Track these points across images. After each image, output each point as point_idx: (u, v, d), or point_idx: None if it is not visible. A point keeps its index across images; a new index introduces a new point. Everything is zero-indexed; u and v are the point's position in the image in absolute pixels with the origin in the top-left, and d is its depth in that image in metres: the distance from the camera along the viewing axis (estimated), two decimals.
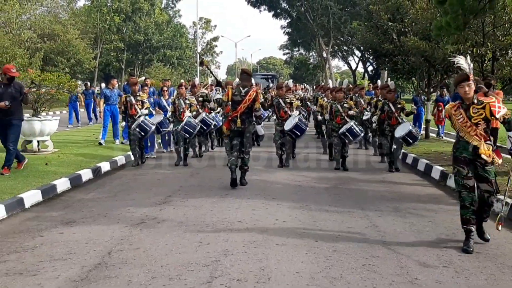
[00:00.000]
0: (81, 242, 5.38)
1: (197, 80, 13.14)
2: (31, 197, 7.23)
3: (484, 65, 11.01)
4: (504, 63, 10.89)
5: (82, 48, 38.56)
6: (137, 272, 4.50)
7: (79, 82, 36.51)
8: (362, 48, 30.41)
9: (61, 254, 5.00)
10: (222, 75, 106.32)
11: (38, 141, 11.62)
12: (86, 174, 9.27)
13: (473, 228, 5.30)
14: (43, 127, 11.51)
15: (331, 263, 4.80)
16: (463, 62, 5.32)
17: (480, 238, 5.46)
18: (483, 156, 5.15)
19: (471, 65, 5.40)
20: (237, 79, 10.88)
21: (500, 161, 5.46)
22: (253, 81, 9.20)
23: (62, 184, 8.26)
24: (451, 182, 8.99)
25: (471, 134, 5.24)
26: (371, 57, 24.45)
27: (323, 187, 8.80)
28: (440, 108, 14.79)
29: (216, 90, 10.79)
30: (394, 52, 15.01)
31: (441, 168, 9.82)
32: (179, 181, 9.08)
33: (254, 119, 8.80)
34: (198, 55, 56.06)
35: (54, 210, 6.93)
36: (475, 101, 5.27)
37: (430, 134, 15.67)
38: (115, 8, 48.23)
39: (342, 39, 48.37)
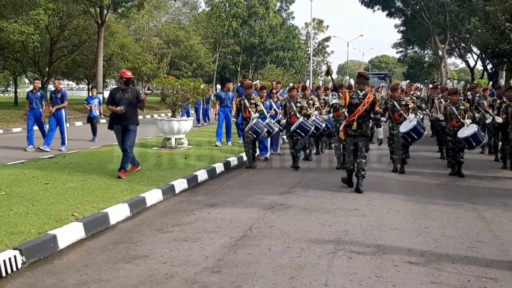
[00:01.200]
0: (226, 220, 6.60)
1: (308, 82, 13.28)
2: (180, 184, 8.67)
3: None
4: None
5: (203, 53, 41.19)
6: (274, 243, 5.59)
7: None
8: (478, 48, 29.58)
9: (213, 228, 6.24)
10: (333, 75, 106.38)
11: (175, 139, 13.30)
12: (219, 167, 10.62)
13: None
14: (180, 126, 13.19)
15: (439, 244, 5.57)
16: None
17: None
18: None
19: None
20: (347, 77, 11.54)
21: None
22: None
23: (201, 175, 9.65)
24: None
25: None
26: (486, 57, 23.83)
27: (434, 183, 9.39)
28: None
29: (332, 95, 11.33)
30: (511, 53, 14.91)
31: None
32: (298, 176, 10.10)
33: (371, 122, 8.82)
34: (311, 50, 57.06)
35: (199, 195, 8.29)
36: None
37: None
38: (233, 14, 50.71)
39: (459, 36, 46.84)
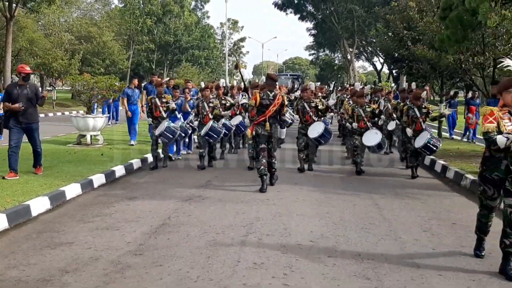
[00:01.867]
0: (145, 211, 6.99)
1: (222, 82, 12.95)
2: (98, 179, 8.91)
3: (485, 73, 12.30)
4: (505, 69, 12.16)
5: (117, 49, 40.59)
6: (192, 229, 6.08)
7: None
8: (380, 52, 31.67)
9: (132, 218, 6.62)
10: (248, 75, 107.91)
11: (91, 136, 13.35)
12: (136, 163, 10.91)
13: (485, 237, 5.30)
14: (95, 123, 13.27)
15: (337, 226, 6.33)
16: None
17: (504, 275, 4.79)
18: None
19: None
20: (263, 77, 11.86)
21: None
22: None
23: (119, 170, 9.91)
24: (450, 174, 10.41)
25: None
26: (388, 61, 25.69)
27: (338, 176, 10.28)
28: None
29: (242, 95, 11.32)
30: (409, 58, 16.36)
31: (442, 162, 11.18)
32: (214, 172, 10.57)
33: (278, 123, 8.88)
34: (227, 49, 57.70)
35: (117, 189, 8.58)
36: None
37: (443, 133, 16.91)
38: (147, 11, 50.32)
39: (366, 41, 49.50)
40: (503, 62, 5.26)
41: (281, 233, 5.97)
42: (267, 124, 8.43)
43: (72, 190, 7.95)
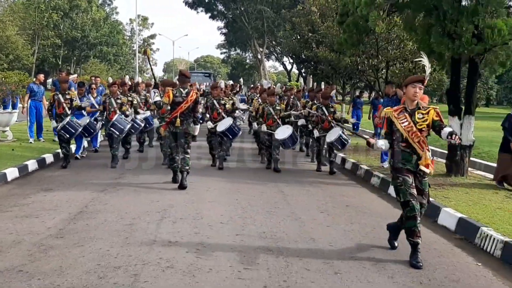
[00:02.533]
0: (62, 201, 7.25)
1: (127, 78, 12.74)
2: (11, 173, 8.97)
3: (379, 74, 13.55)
4: (397, 71, 13.51)
5: (21, 44, 38.98)
6: (109, 215, 6.48)
7: None
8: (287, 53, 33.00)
9: (51, 206, 6.88)
10: (159, 73, 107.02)
11: None
12: (49, 158, 10.94)
13: (420, 240, 5.04)
14: (4, 118, 13.03)
15: (245, 210, 6.99)
16: (426, 63, 5.24)
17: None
18: (423, 168, 5.03)
19: (429, 69, 5.30)
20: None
21: (432, 172, 5.23)
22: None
23: (32, 164, 9.96)
24: (348, 165, 11.43)
25: (414, 141, 5.03)
26: (296, 62, 26.96)
27: (248, 168, 10.98)
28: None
29: (154, 92, 10.76)
30: (313, 59, 17.46)
31: (342, 155, 12.22)
32: (128, 165, 10.88)
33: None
34: (137, 46, 56.92)
35: (32, 183, 8.70)
36: (421, 106, 5.13)
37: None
38: (53, 6, 48.59)
39: (276, 41, 50.96)
40: (421, 59, 5.33)
41: (194, 217, 6.52)
42: (178, 121, 8.37)
43: None
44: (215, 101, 10.77)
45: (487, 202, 7.40)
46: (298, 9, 18.75)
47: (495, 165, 12.04)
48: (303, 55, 18.08)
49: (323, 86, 14.69)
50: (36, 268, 4.56)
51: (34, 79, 14.59)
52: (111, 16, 65.93)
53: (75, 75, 15.51)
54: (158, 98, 9.16)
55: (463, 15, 9.14)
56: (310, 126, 11.54)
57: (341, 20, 11.43)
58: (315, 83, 16.92)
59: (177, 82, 8.99)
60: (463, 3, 9.52)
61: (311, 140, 12.27)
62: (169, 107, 8.54)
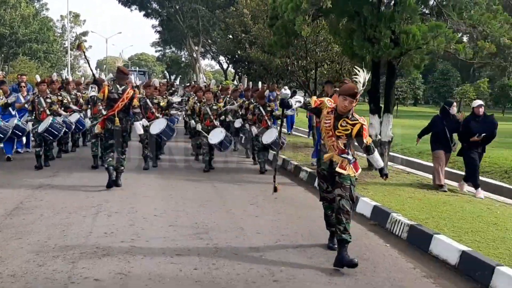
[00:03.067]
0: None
1: (54, 76, 12.31)
2: None
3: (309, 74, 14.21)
4: (325, 72, 14.23)
5: None
6: (45, 211, 6.66)
7: None
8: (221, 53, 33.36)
9: None
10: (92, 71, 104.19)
11: None
12: None
13: (334, 229, 5.24)
14: None
15: (178, 204, 7.36)
16: (361, 79, 5.04)
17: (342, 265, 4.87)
18: (339, 170, 5.03)
19: (363, 83, 5.07)
20: (111, 75, 11.69)
21: (357, 173, 5.17)
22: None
23: None
24: (279, 161, 11.91)
25: (328, 143, 5.12)
26: (230, 62, 27.45)
27: (182, 166, 11.29)
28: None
29: (92, 87, 10.13)
30: (247, 59, 17.96)
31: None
32: (62, 163, 10.90)
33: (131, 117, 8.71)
34: (69, 43, 55.43)
35: None
36: (350, 116, 5.08)
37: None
38: None
39: (212, 40, 51.14)
40: (357, 74, 5.07)
41: (128, 211, 6.82)
42: (116, 119, 8.16)
43: None
44: (148, 100, 10.61)
45: (401, 192, 8.12)
46: (231, 10, 19.29)
47: (415, 160, 13.05)
48: (237, 55, 18.55)
49: (260, 86, 14.79)
50: None
51: None
52: (41, 12, 63.79)
53: (1, 73, 14.71)
54: (94, 94, 8.97)
55: (382, 21, 9.88)
56: (247, 126, 11.47)
57: (271, 23, 11.97)
58: (250, 83, 17.32)
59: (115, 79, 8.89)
60: (382, 9, 10.29)
61: (244, 138, 12.36)
62: (101, 107, 8.61)
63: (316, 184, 5.76)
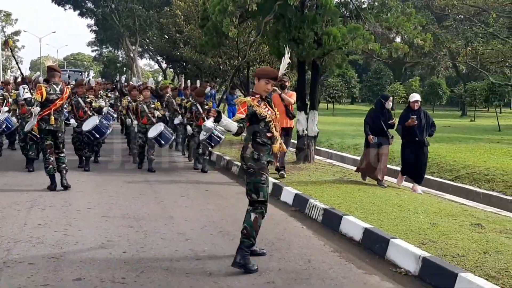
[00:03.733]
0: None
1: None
2: None
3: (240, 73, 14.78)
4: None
5: None
6: None
7: None
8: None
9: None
10: (25, 72, 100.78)
11: None
12: None
13: None
14: None
15: (112, 198, 7.70)
16: (283, 65, 5.12)
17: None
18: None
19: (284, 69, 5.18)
20: (37, 73, 11.55)
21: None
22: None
23: None
24: (213, 157, 12.27)
25: (277, 129, 4.97)
26: (165, 61, 27.63)
27: (118, 165, 11.49)
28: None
29: (24, 88, 9.97)
30: (182, 59, 18.33)
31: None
32: None
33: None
34: (5, 36, 53.64)
35: None
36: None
37: None
38: None
39: (149, 39, 50.85)
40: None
41: (62, 204, 7.11)
42: (52, 118, 8.02)
43: None
44: (80, 99, 10.49)
45: (323, 182, 8.79)
46: (165, 10, 19.59)
47: (344, 154, 13.87)
48: (172, 55, 18.88)
49: (198, 84, 14.93)
50: None
51: None
52: None
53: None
54: (28, 95, 8.84)
55: (305, 23, 10.56)
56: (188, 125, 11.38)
57: (202, 23, 12.45)
58: (188, 81, 17.65)
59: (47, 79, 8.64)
60: (305, 12, 10.96)
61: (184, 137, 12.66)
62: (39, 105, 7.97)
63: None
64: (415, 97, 8.96)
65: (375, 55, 11.17)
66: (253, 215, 4.81)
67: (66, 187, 8.16)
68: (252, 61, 14.38)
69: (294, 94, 10.17)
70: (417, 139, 8.62)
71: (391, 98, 9.45)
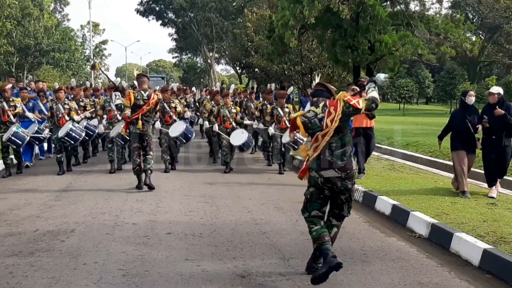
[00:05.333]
0: (42, 185, 9.43)
1: (73, 82, 12.97)
2: None
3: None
4: (319, 75, 16.23)
5: None
6: (88, 193, 8.71)
7: None
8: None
9: (36, 187, 9.06)
10: (111, 77, 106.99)
11: None
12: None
13: None
14: None
15: (192, 183, 9.38)
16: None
17: None
18: None
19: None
20: (118, 79, 11.22)
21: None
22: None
23: None
24: (295, 162, 12.10)
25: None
26: (239, 68, 29.55)
27: (203, 172, 13.24)
28: None
29: (115, 95, 10.91)
30: (253, 65, 20.06)
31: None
32: (81, 170, 10.94)
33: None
34: (91, 59, 57.94)
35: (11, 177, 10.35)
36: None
37: None
38: (6, 15, 49.50)
39: (224, 47, 53.48)
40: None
41: (152, 207, 8.85)
42: (139, 122, 8.48)
43: None
44: (165, 104, 10.82)
45: (367, 170, 10.02)
46: (238, 21, 21.46)
47: (401, 150, 14.81)
48: (244, 62, 20.74)
49: (273, 87, 14.91)
50: (49, 214, 6.86)
51: None
52: (62, 23, 66.73)
53: (28, 81, 13.94)
54: (119, 101, 9.65)
55: (359, 32, 11.89)
56: (260, 126, 11.66)
57: (269, 35, 14.06)
58: (255, 85, 19.23)
59: (136, 85, 9.36)
60: (360, 22, 12.27)
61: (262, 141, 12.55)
62: (129, 110, 8.53)
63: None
64: (492, 89, 7.94)
65: (424, 60, 12.22)
66: (335, 230, 4.83)
67: (149, 187, 8.60)
68: (314, 66, 15.77)
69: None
70: (494, 137, 7.67)
71: (471, 92, 8.17)
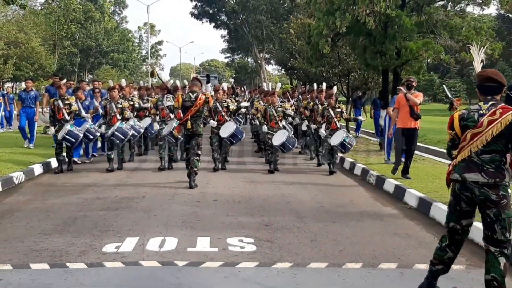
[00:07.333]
0: (101, 179, 11.44)
1: (123, 82, 13.03)
2: (19, 176, 9.55)
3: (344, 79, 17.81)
4: (356, 76, 17.79)
5: (44, 54, 43.45)
6: (150, 175, 10.69)
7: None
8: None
9: (104, 180, 11.08)
10: (165, 77, 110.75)
11: None
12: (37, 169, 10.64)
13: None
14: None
15: (238, 171, 11.22)
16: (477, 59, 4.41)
17: None
18: None
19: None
20: (185, 81, 11.41)
21: None
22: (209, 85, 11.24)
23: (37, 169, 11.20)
24: (346, 164, 11.88)
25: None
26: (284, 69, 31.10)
27: (248, 170, 12.40)
28: None
29: (167, 97, 10.83)
30: (295, 67, 21.82)
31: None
32: (129, 170, 10.96)
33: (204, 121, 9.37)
34: (149, 65, 60.91)
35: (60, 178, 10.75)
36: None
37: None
38: (71, 18, 53.29)
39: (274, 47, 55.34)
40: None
41: (203, 177, 10.70)
42: (188, 123, 8.86)
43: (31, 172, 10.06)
44: (218, 104, 10.97)
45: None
46: (284, 26, 23.26)
47: (431, 147, 15.92)
48: (289, 64, 22.64)
49: (315, 87, 14.49)
50: (123, 187, 8.87)
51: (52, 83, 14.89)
52: (121, 25, 70.44)
53: (65, 80, 12.69)
54: (170, 103, 10.00)
55: (387, 39, 13.41)
56: (312, 126, 11.91)
57: (308, 41, 15.75)
58: (311, 85, 20.14)
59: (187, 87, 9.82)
60: (388, 30, 13.77)
61: (309, 140, 12.68)
62: (181, 111, 9.01)
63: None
64: None
65: (445, 64, 13.62)
66: (502, 261, 3.94)
67: (191, 188, 8.91)
68: (350, 69, 17.34)
69: (420, 95, 9.70)
70: None
71: None
